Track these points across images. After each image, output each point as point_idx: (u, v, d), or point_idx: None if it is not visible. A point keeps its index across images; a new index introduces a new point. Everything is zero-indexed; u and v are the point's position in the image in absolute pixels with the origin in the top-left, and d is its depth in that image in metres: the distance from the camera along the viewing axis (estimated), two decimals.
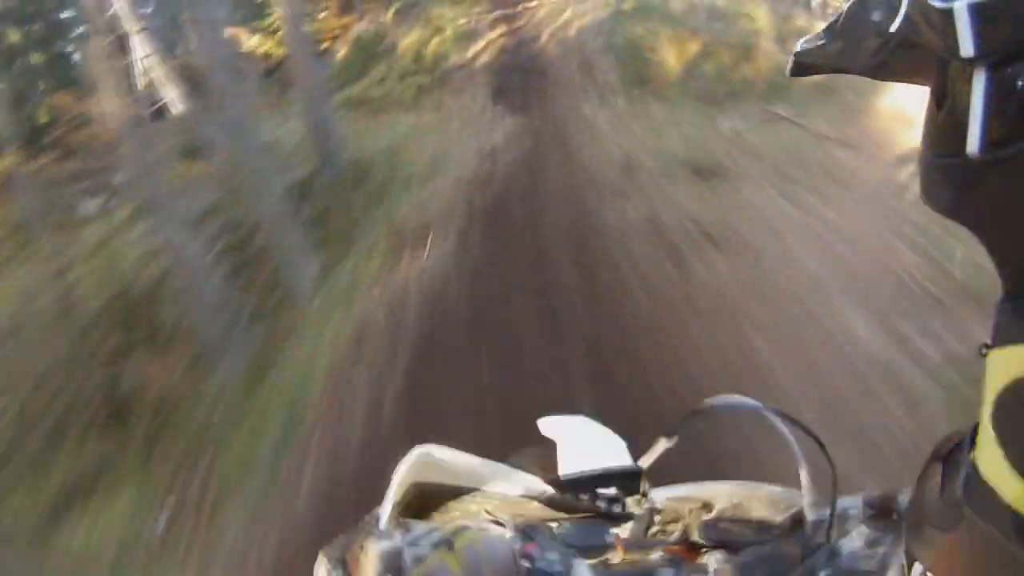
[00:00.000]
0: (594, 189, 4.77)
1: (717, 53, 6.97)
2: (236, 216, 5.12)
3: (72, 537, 3.10)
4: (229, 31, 7.25)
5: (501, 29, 9.00)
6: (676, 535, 0.63)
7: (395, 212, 4.91)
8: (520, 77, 8.10)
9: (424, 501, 0.65)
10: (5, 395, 4.16)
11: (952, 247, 3.24)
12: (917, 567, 0.39)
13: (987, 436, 0.30)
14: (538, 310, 3.70)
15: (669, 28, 7.69)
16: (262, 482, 3.08)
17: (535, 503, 0.67)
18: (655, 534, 0.66)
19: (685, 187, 4.52)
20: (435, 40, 8.68)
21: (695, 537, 0.61)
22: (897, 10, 0.30)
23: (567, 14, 9.26)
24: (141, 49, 7.14)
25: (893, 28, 0.31)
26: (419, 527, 0.59)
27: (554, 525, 0.66)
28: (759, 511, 0.62)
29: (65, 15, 9.20)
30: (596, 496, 0.67)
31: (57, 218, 6.12)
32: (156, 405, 3.83)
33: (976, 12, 0.25)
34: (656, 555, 0.61)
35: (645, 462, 0.68)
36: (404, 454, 0.61)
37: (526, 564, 0.57)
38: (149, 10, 8.07)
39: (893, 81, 0.37)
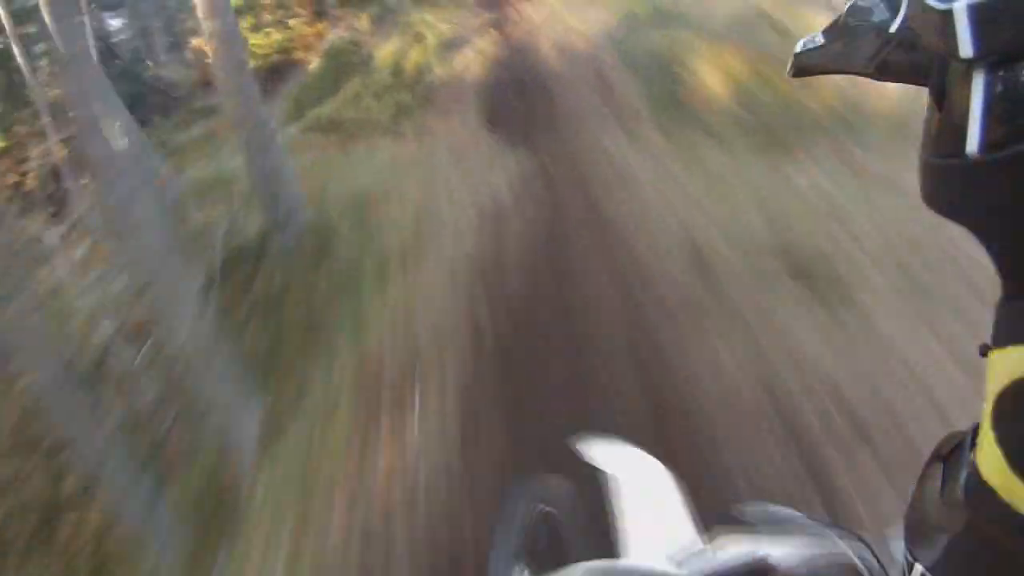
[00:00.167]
0: (654, 294, 3.29)
1: (769, 74, 5.58)
2: (132, 325, 3.56)
3: None
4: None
5: (491, 36, 7.47)
6: None
7: (367, 330, 3.38)
8: (519, 97, 6.64)
9: None
10: None
11: None
12: (917, 567, 0.36)
13: (987, 436, 0.30)
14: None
15: (701, 39, 6.29)
16: None
17: None
18: None
19: (792, 306, 2.96)
20: (415, 50, 7.13)
21: None
22: (897, 10, 0.32)
23: (568, 18, 7.80)
24: None
25: (893, 28, 0.33)
26: None
27: None
28: None
29: None
30: None
31: None
32: None
33: (975, 13, 0.25)
34: None
35: None
36: None
37: None
38: None
39: (893, 81, 0.37)
